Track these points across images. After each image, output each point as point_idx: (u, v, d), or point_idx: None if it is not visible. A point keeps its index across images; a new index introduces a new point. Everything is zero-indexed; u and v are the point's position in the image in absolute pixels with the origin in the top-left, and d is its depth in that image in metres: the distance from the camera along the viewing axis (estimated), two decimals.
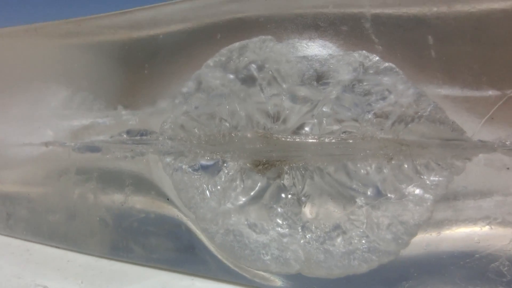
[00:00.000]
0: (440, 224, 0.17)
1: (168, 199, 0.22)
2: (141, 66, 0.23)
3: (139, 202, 0.23)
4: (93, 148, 0.25)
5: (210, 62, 0.20)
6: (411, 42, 0.17)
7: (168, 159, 0.22)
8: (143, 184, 0.23)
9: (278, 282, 0.21)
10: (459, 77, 0.16)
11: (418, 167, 0.17)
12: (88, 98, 0.25)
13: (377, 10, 0.17)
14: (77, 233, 0.26)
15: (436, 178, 0.17)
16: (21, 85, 0.27)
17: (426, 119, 0.17)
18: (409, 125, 0.17)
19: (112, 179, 0.24)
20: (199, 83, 0.20)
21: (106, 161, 0.24)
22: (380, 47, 0.17)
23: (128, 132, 0.24)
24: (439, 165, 0.17)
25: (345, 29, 0.17)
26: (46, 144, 0.26)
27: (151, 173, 0.23)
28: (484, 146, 0.16)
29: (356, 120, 0.18)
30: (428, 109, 0.17)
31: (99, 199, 0.25)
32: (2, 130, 0.28)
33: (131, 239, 0.24)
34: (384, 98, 0.17)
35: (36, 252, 0.27)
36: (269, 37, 0.19)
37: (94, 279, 0.23)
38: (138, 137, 0.23)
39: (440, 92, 0.17)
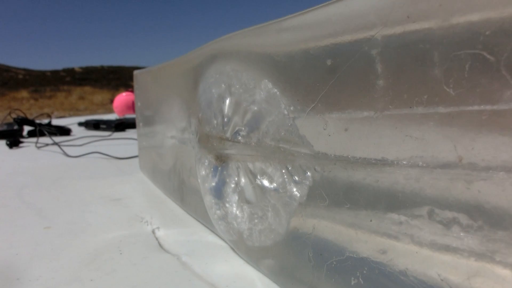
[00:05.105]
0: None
1: None
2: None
3: (194, 180, 0.36)
4: (184, 142, 0.39)
5: (209, 79, 0.30)
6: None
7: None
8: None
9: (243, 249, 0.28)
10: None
11: (292, 169, 0.22)
12: (183, 108, 0.39)
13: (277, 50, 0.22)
14: (179, 196, 0.41)
15: (303, 181, 0.21)
16: (166, 100, 0.45)
17: (288, 133, 0.21)
18: (282, 135, 0.22)
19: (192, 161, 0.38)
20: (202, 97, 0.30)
21: (189, 151, 0.38)
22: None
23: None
24: (304, 170, 0.21)
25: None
26: (171, 137, 0.43)
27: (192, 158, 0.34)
28: (325, 158, 0.19)
29: (254, 131, 0.23)
30: (289, 124, 0.21)
31: (181, 170, 0.39)
32: (164, 127, 0.47)
33: (193, 201, 0.37)
34: (267, 117, 0.22)
35: (168, 206, 0.43)
36: (237, 67, 0.27)
37: (170, 219, 0.37)
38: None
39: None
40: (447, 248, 0.14)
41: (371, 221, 0.16)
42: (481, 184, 0.13)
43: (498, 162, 0.12)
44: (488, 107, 0.12)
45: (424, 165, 0.15)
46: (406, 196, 0.15)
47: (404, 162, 0.16)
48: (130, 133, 1.18)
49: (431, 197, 0.15)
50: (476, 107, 0.13)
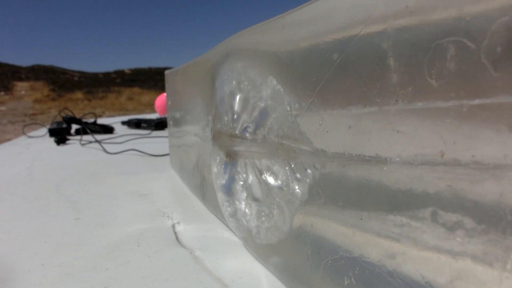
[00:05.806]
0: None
1: None
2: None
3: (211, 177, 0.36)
4: (205, 139, 0.40)
5: (223, 76, 0.30)
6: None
7: None
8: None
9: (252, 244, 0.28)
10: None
11: (295, 167, 0.21)
12: (204, 105, 0.40)
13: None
14: (201, 192, 0.42)
15: (303, 178, 0.21)
16: (190, 98, 0.46)
17: (290, 129, 0.21)
18: (285, 131, 0.21)
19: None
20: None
21: (208, 148, 0.39)
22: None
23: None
24: (304, 167, 0.21)
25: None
26: (195, 135, 0.44)
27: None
28: (324, 155, 0.19)
29: (260, 128, 0.23)
30: (291, 120, 0.21)
31: (202, 167, 0.39)
32: (188, 125, 0.48)
33: (212, 197, 0.37)
34: (272, 113, 0.22)
35: (191, 202, 0.45)
36: (247, 64, 0.27)
37: (190, 215, 0.38)
38: None
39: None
40: (432, 249, 0.13)
41: (361, 219, 0.16)
42: (482, 184, 0.12)
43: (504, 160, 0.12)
44: (471, 101, 0.12)
45: (417, 162, 0.14)
46: (402, 196, 0.15)
47: (398, 160, 0.15)
48: None
49: (430, 196, 0.14)
50: (458, 101, 0.12)
